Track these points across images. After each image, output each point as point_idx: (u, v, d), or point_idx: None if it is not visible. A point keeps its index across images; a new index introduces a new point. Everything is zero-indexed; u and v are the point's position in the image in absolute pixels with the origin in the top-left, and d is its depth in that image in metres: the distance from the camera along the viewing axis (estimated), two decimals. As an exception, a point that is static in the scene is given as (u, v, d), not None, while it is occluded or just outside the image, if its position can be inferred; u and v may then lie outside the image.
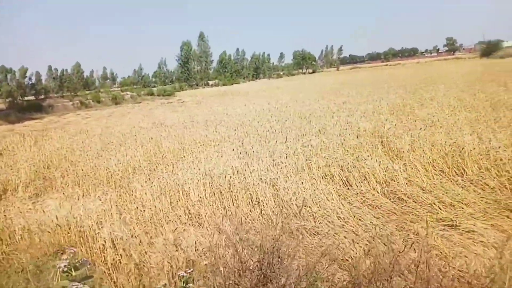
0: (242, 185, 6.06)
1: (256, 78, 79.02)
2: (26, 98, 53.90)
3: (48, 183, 8.04)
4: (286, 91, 30.81)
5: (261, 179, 6.07)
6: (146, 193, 6.18)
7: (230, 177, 6.32)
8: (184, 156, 8.84)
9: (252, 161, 7.05)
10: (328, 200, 5.48)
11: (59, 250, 3.89)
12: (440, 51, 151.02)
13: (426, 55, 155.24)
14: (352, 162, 6.50)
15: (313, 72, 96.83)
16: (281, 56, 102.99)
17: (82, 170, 8.44)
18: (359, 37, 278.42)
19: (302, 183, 5.79)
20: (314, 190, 5.67)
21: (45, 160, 9.75)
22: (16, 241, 4.19)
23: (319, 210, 5.17)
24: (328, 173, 6.33)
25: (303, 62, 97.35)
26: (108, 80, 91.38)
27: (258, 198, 5.57)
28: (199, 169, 6.99)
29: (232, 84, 62.66)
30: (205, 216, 5.46)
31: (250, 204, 5.64)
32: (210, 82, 68.76)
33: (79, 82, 75.73)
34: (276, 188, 5.79)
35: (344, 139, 7.78)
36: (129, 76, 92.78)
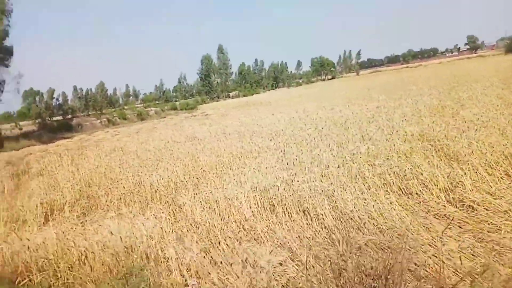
0: (294, 197, 5.82)
1: (276, 87, 79.20)
2: (54, 119, 55.88)
3: (93, 201, 8.04)
4: (310, 99, 30.54)
5: (314, 190, 5.81)
6: (196, 209, 6.03)
7: (278, 189, 6.09)
8: (223, 169, 8.70)
9: (300, 171, 6.81)
10: (390, 210, 5.16)
11: (127, 274, 3.75)
12: (461, 49, 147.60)
13: (447, 54, 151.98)
14: (409, 169, 6.15)
15: (332, 78, 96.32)
16: (299, 64, 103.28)
17: (124, 187, 8.41)
18: (376, 40, 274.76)
19: (361, 193, 5.49)
20: (375, 200, 5.37)
21: (85, 178, 9.83)
22: (80, 265, 4.10)
23: (385, 222, 4.85)
24: (384, 182, 6.00)
25: (322, 68, 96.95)
26: (131, 97, 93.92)
27: (316, 210, 5.30)
28: (245, 182, 6.81)
29: (252, 95, 63.01)
30: (261, 231, 5.24)
31: (306, 217, 5.38)
32: (231, 94, 69.38)
33: (104, 101, 78.28)
34: (333, 200, 5.52)
35: (393, 145, 7.43)
36: (151, 92, 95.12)
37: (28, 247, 4.72)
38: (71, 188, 8.77)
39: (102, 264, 3.96)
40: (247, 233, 5.35)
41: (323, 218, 5.17)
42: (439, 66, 64.56)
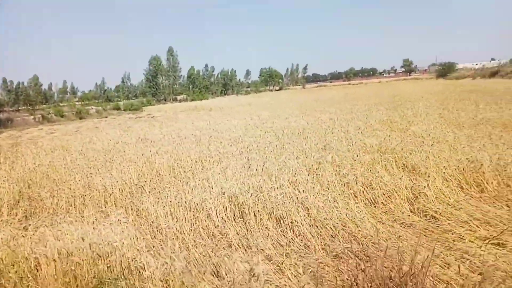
0: (265, 204, 5.70)
1: (225, 94, 79.03)
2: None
3: (35, 203, 7.19)
4: (261, 107, 30.88)
5: (286, 197, 5.74)
6: (160, 214, 5.64)
7: (250, 195, 5.93)
8: (183, 173, 8.33)
9: (268, 178, 6.71)
10: (361, 219, 5.26)
11: (99, 285, 3.30)
12: (397, 71, 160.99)
13: (384, 75, 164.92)
14: (374, 179, 6.36)
15: (280, 89, 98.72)
16: (247, 73, 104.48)
17: (72, 189, 7.65)
18: (322, 57, 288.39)
19: (334, 201, 5.54)
20: (346, 208, 5.44)
21: (24, 178, 8.79)
22: (38, 275, 3.52)
23: (359, 230, 4.92)
24: (353, 191, 6.13)
25: (270, 79, 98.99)
26: (69, 94, 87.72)
27: (290, 217, 5.22)
28: (210, 187, 6.55)
29: (201, 100, 62.07)
30: (233, 238, 5.03)
31: (280, 225, 5.28)
32: (178, 97, 67.71)
33: (37, 96, 72.11)
34: (305, 207, 5.49)
35: (356, 155, 7.67)
36: (90, 90, 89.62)
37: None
38: (8, 189, 7.75)
39: (64, 275, 3.45)
40: (218, 240, 5.10)
41: (298, 226, 5.11)
42: (379, 85, 69.19)
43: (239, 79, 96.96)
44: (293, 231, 5.09)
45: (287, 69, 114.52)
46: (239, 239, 5.01)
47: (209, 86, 76.63)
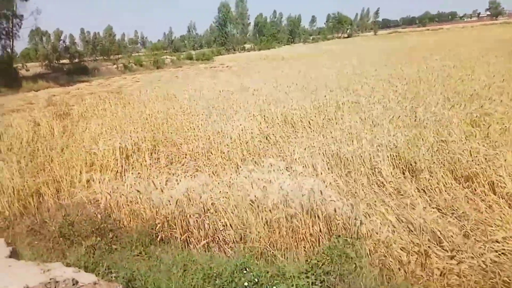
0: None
1: (292, 43, 75.86)
2: (61, 62, 53.92)
3: (175, 149, 7.20)
4: (345, 55, 28.41)
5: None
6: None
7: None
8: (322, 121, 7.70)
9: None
10: None
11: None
12: (480, 15, 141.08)
13: (465, 19, 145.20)
14: None
15: (348, 36, 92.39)
16: (313, 19, 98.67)
17: (202, 136, 7.52)
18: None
19: None
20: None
21: (149, 124, 8.90)
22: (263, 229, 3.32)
23: None
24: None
25: (339, 25, 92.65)
26: (139, 44, 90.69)
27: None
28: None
29: (268, 49, 60.16)
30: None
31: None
32: (246, 46, 66.60)
33: (111, 46, 75.48)
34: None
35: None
36: (158, 40, 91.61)
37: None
38: (141, 134, 7.86)
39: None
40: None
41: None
42: (465, 31, 60.72)
43: (303, 26, 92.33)
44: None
45: (356, 14, 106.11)
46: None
47: (276, 34, 73.82)
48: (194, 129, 7.98)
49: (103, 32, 76.59)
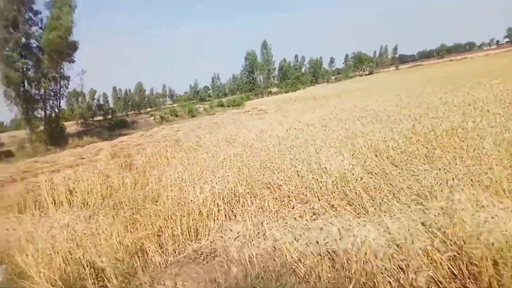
0: None
1: (315, 83, 77.03)
2: (95, 119, 56.35)
3: (272, 191, 6.50)
4: (370, 92, 27.68)
5: None
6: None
7: None
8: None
9: None
10: None
11: None
12: (500, 43, 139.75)
13: (484, 48, 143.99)
14: None
15: (370, 73, 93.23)
16: (331, 60, 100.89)
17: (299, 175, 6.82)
18: (406, 35, 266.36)
19: None
20: None
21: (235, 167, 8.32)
22: None
23: None
24: None
25: (359, 64, 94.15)
26: (167, 97, 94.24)
27: None
28: None
29: (294, 91, 60.99)
30: None
31: None
32: (273, 90, 67.98)
33: (142, 101, 79.07)
34: None
35: None
36: (185, 92, 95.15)
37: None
38: (232, 177, 7.25)
39: None
40: None
41: None
42: (489, 59, 59.43)
43: (323, 67, 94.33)
44: None
45: (374, 51, 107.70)
46: None
47: (300, 76, 75.43)
48: (285, 169, 7.29)
49: (133, 88, 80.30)
